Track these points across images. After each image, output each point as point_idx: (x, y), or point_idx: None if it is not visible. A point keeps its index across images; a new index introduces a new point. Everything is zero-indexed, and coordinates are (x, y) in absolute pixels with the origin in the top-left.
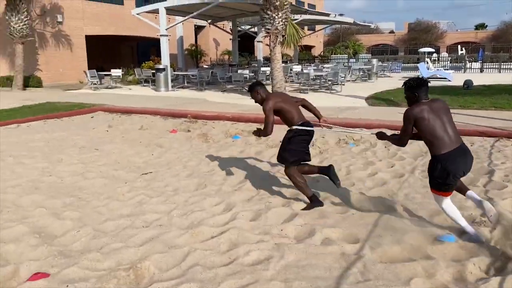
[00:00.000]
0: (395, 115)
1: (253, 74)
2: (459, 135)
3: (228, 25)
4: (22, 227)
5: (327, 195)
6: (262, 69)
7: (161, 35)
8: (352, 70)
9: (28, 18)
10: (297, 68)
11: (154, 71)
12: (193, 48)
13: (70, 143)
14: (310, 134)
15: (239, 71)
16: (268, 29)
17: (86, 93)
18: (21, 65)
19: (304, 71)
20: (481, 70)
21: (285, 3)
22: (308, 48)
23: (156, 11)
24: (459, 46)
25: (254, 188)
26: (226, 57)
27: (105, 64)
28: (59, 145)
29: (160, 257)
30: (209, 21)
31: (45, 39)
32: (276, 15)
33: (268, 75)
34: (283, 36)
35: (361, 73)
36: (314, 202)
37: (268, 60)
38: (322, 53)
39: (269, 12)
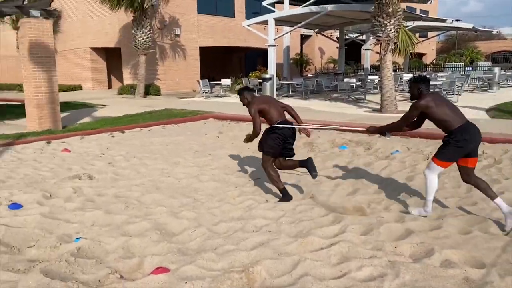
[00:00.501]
0: None
1: (359, 82)
2: (463, 115)
3: (335, 33)
4: (145, 223)
5: (445, 212)
6: (370, 77)
7: (269, 45)
8: (470, 79)
9: (151, 31)
10: (407, 76)
11: (260, 81)
12: (298, 57)
13: (186, 147)
14: (287, 132)
15: (345, 79)
16: (379, 36)
17: (198, 101)
18: (143, 75)
19: None
20: None
21: (398, 10)
22: (419, 55)
23: (265, 22)
24: None
25: (363, 201)
26: (331, 65)
27: (215, 74)
28: (176, 149)
29: (271, 263)
30: (316, 30)
31: (164, 51)
32: (388, 22)
33: (376, 84)
34: (394, 43)
35: (480, 83)
36: (284, 195)
37: (375, 69)
38: (434, 61)
39: (380, 19)
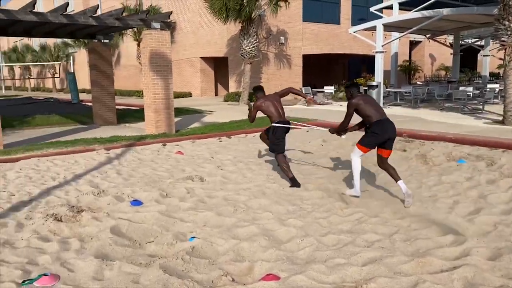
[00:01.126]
0: None
1: (478, 91)
2: (384, 112)
3: (448, 38)
4: (253, 228)
5: None
6: (489, 86)
7: (376, 52)
8: None
9: (257, 41)
10: None
11: (365, 88)
12: (406, 64)
13: (290, 154)
14: (285, 130)
15: (461, 88)
16: (504, 41)
17: (300, 108)
18: (248, 82)
19: None
20: None
21: None
22: None
23: (372, 29)
24: None
25: (489, 222)
26: (442, 73)
27: (317, 81)
28: None
29: (386, 282)
30: (428, 35)
31: (268, 59)
32: None
33: (496, 93)
34: None
35: None
36: (293, 182)
37: (494, 77)
38: None
39: (506, 22)
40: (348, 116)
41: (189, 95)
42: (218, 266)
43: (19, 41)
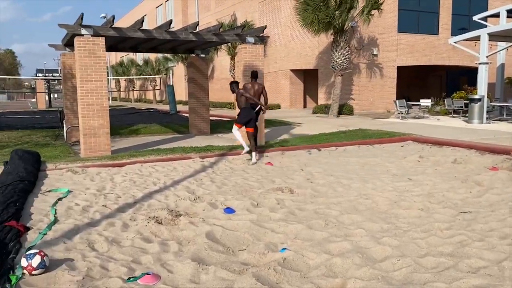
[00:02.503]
0: None
1: None
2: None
3: None
4: (346, 244)
5: None
6: None
7: (480, 63)
8: None
9: (348, 52)
10: None
11: (466, 101)
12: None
13: (383, 169)
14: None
15: None
16: None
17: (393, 122)
18: (338, 94)
19: None
20: None
21: None
22: None
23: (476, 38)
24: None
25: None
26: None
27: (411, 94)
28: (372, 170)
29: None
30: None
31: (360, 70)
32: None
33: None
34: None
35: None
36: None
37: None
38: None
39: None
40: (244, 98)
41: (278, 107)
42: (310, 280)
43: (125, 56)
